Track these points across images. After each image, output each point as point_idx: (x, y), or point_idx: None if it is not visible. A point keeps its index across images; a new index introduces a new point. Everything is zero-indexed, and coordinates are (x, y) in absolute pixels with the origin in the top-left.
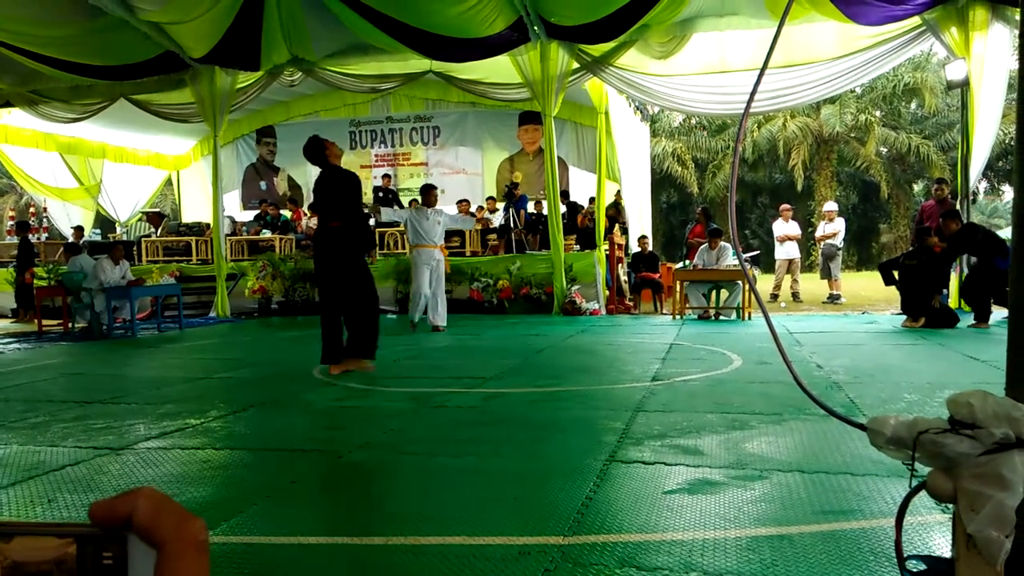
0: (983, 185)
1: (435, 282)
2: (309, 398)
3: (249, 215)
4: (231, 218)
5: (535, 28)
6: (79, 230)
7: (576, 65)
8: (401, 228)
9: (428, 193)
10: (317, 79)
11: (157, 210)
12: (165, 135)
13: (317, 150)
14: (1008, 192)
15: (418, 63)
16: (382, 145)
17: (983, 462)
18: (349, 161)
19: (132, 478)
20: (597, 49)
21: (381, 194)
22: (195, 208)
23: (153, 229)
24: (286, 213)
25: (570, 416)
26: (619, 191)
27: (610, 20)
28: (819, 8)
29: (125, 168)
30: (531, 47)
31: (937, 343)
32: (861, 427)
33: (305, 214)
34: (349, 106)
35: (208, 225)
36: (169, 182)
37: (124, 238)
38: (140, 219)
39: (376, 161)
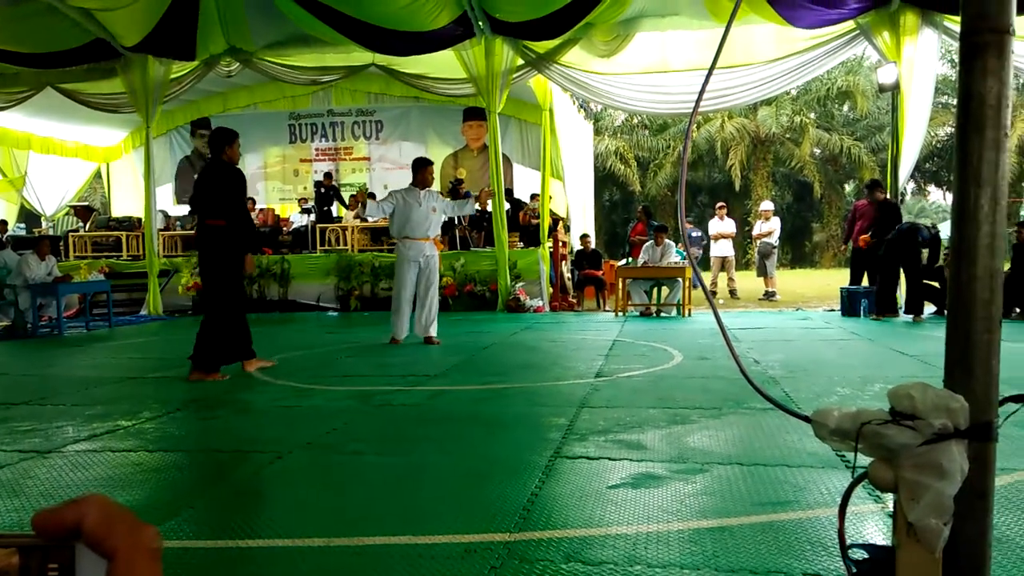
0: (910, 186)
1: (425, 284)
2: (246, 398)
3: (183, 209)
4: (164, 212)
5: (480, 23)
6: (2, 224)
7: (521, 62)
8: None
9: (422, 170)
10: (255, 70)
11: (85, 204)
12: (94, 126)
13: (221, 140)
14: (934, 192)
15: (361, 56)
16: (323, 139)
17: (923, 452)
18: (289, 155)
19: (60, 482)
20: (542, 46)
21: (322, 189)
22: (126, 202)
23: (81, 223)
24: None
25: (515, 413)
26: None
27: (554, 17)
28: (757, 10)
29: (51, 160)
30: (476, 42)
31: (867, 339)
32: (806, 419)
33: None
34: (288, 98)
35: (140, 220)
36: (98, 175)
37: (50, 233)
38: (67, 213)
39: (317, 155)
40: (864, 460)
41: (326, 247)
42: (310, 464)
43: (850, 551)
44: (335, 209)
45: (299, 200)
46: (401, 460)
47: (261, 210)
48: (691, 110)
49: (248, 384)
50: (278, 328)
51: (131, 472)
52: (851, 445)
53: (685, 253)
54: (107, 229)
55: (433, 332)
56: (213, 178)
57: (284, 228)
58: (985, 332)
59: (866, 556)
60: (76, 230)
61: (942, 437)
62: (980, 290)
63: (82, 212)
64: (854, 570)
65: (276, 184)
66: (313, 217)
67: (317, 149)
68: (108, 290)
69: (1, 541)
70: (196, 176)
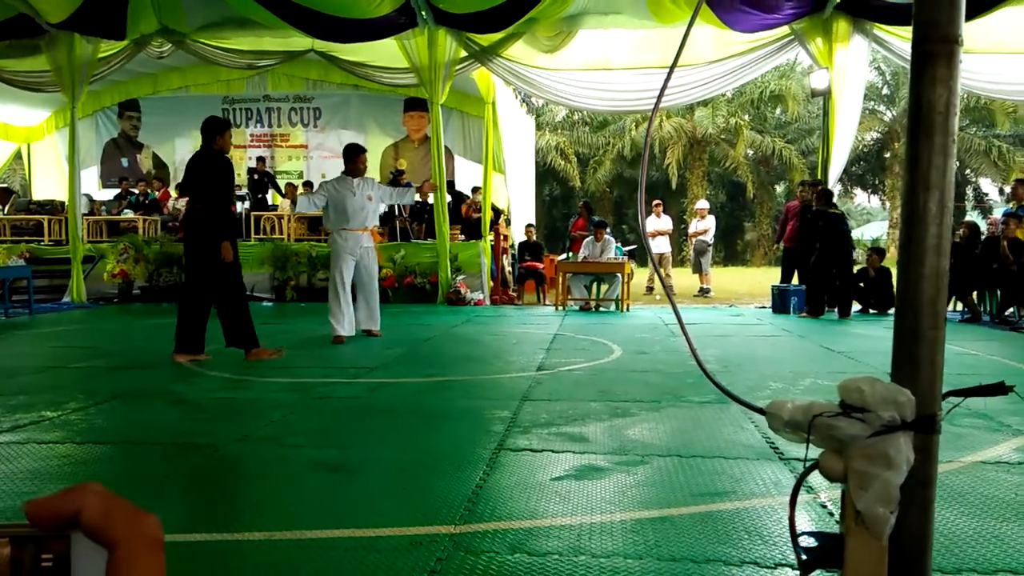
0: (837, 188)
1: (363, 277)
2: (179, 389)
3: (109, 193)
4: (89, 196)
5: (423, 13)
6: None
7: (464, 54)
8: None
9: (355, 158)
10: (189, 52)
11: (4, 186)
12: (15, 104)
13: (212, 130)
14: (860, 195)
15: (300, 41)
16: (258, 125)
17: (871, 443)
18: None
19: None
20: (485, 39)
21: (256, 176)
22: (48, 185)
23: (0, 206)
24: (154, 192)
25: (458, 406)
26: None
27: (498, 11)
28: (698, 13)
29: None
30: (418, 32)
31: (798, 335)
32: (761, 411)
33: (171, 194)
34: (223, 82)
35: (63, 203)
36: (18, 155)
37: None
38: None
39: (252, 141)
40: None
41: (261, 235)
42: (248, 457)
43: (801, 538)
44: (270, 197)
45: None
46: (343, 453)
47: None
48: (631, 108)
49: (181, 375)
50: (210, 318)
51: (58, 465)
52: (803, 436)
53: (624, 250)
54: (28, 212)
55: (375, 325)
56: (199, 165)
57: None
58: (931, 329)
59: (815, 543)
60: None
61: (890, 429)
62: (927, 288)
63: (1, 194)
64: (804, 556)
65: None
66: (247, 204)
67: (252, 135)
68: (29, 276)
69: None
70: (187, 163)
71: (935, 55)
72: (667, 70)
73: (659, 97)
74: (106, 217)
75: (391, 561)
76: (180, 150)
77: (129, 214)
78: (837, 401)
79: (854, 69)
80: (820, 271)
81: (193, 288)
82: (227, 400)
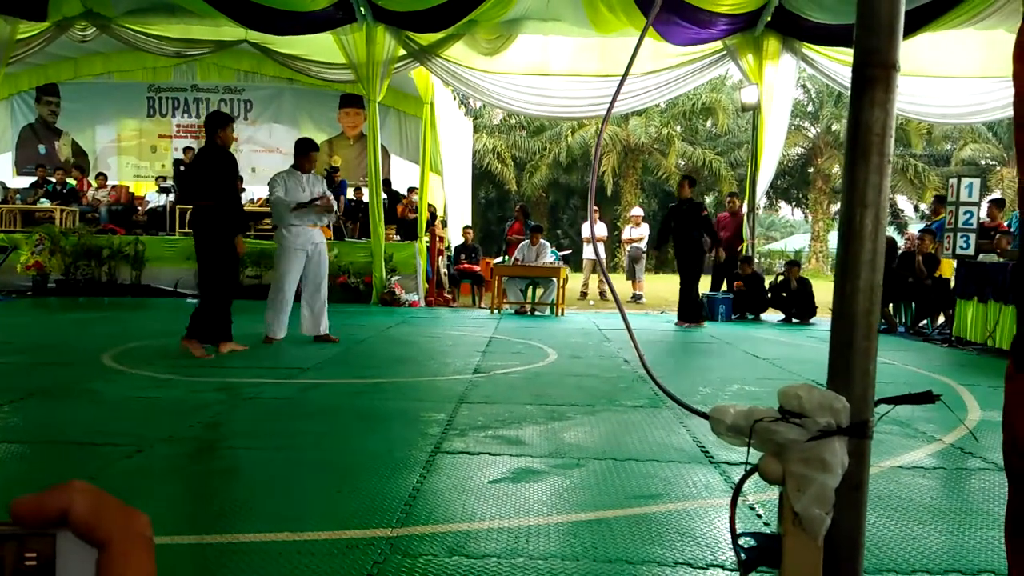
0: (763, 201)
1: (313, 275)
2: (98, 387)
3: (23, 181)
4: (2, 184)
5: (361, 9)
6: None
7: (403, 52)
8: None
9: (306, 155)
10: (113, 36)
11: None
12: None
13: (214, 124)
14: (784, 208)
15: (232, 31)
16: (185, 115)
17: (809, 447)
18: (146, 129)
19: None
20: (425, 38)
21: (183, 168)
22: None
23: None
24: (71, 181)
25: (393, 407)
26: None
27: (438, 11)
28: (636, 24)
29: None
30: (356, 28)
31: (725, 342)
32: (704, 415)
33: (90, 184)
34: (148, 69)
35: None
36: None
37: None
38: None
39: (178, 132)
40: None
41: (185, 230)
42: (174, 458)
43: (741, 539)
44: None
45: (157, 178)
46: (275, 455)
47: (113, 187)
48: (568, 115)
49: (101, 373)
50: (131, 313)
51: None
52: (744, 440)
53: (559, 254)
54: None
55: (324, 328)
56: (204, 161)
57: (139, 207)
58: (864, 340)
59: (754, 543)
60: None
61: (826, 434)
62: (862, 301)
63: None
64: (743, 556)
65: (131, 160)
66: (172, 197)
67: (178, 125)
68: None
69: None
70: (191, 159)
71: (874, 79)
72: (605, 79)
73: (610, 106)
74: (20, 206)
75: (327, 565)
76: (101, 138)
77: (46, 203)
78: (775, 406)
79: (782, 86)
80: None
81: (213, 281)
82: (151, 399)
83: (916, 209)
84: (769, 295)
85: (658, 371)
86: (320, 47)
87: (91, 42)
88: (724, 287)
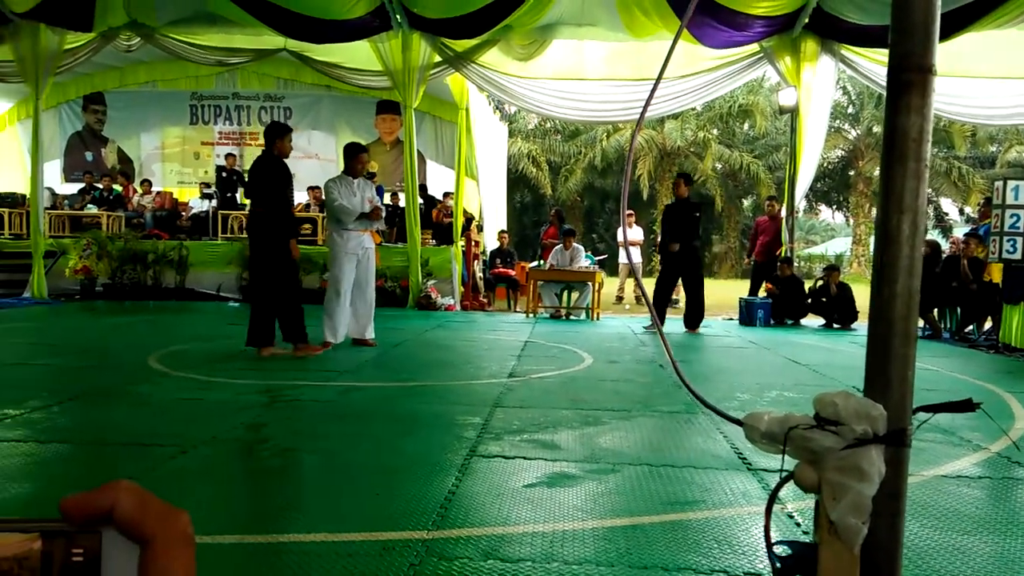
0: (803, 204)
1: (362, 279)
2: (144, 389)
3: (71, 188)
4: (51, 190)
5: (398, 17)
6: None
7: (438, 59)
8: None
9: (355, 157)
10: (157, 46)
11: None
12: None
13: (273, 134)
14: (825, 211)
15: (272, 40)
16: (227, 122)
17: (845, 456)
18: (189, 136)
19: None
20: (460, 44)
21: (224, 174)
22: (8, 177)
23: None
24: (118, 187)
25: (429, 411)
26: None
27: (473, 17)
28: (670, 27)
29: None
30: (393, 35)
31: (763, 347)
32: (738, 422)
33: (136, 190)
34: (191, 78)
35: (24, 196)
36: None
37: None
38: None
39: (220, 139)
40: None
41: (228, 235)
42: (217, 459)
43: (776, 547)
44: (239, 196)
45: (200, 184)
46: (314, 457)
47: (158, 193)
48: (602, 119)
49: (146, 375)
50: (175, 317)
51: (21, 464)
52: (779, 448)
53: (595, 259)
54: None
55: (370, 334)
56: (260, 169)
57: (183, 213)
58: (902, 346)
59: (789, 552)
60: None
61: (863, 442)
62: (899, 307)
63: None
64: (778, 565)
65: (175, 166)
66: (214, 203)
67: (220, 132)
68: None
69: (23, 526)
70: (250, 167)
71: (910, 84)
72: (639, 83)
73: (643, 112)
74: (69, 212)
75: (364, 566)
76: (146, 145)
77: (93, 209)
78: (811, 413)
79: (821, 88)
80: (664, 277)
81: (267, 287)
82: (195, 401)
83: (961, 212)
84: (809, 300)
85: (694, 376)
86: (357, 55)
87: (136, 52)
88: (763, 292)
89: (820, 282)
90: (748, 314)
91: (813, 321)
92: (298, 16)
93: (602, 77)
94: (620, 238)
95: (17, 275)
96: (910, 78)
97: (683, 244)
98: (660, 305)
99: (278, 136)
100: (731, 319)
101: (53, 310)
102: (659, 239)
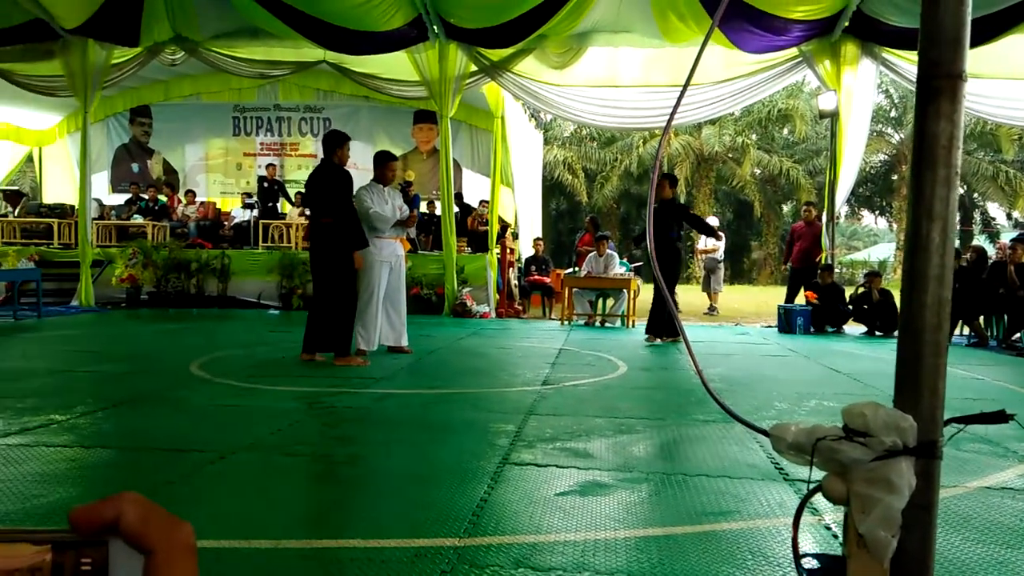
0: (844, 210)
1: (393, 286)
2: (185, 395)
3: (118, 198)
4: (99, 201)
5: (434, 27)
6: None
7: (474, 68)
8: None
9: (385, 165)
10: (201, 60)
11: (15, 188)
12: (27, 108)
13: (333, 143)
14: (867, 216)
15: (311, 52)
16: (268, 133)
17: (874, 467)
18: (232, 147)
19: None
20: (495, 54)
21: (266, 184)
22: (58, 188)
23: (11, 209)
24: (163, 198)
25: (463, 418)
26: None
27: (509, 27)
28: (706, 32)
29: None
30: (429, 46)
31: (803, 355)
32: (764, 433)
33: (180, 201)
34: (234, 90)
35: (73, 207)
36: (30, 159)
37: None
38: None
39: (261, 149)
40: (818, 474)
41: (269, 243)
42: (254, 465)
43: (804, 560)
44: (280, 205)
45: (242, 195)
46: (348, 463)
47: (202, 203)
48: (638, 126)
49: (187, 382)
50: (217, 324)
51: (67, 468)
52: (806, 459)
53: (631, 266)
54: (38, 216)
55: (403, 341)
56: (323, 178)
57: (225, 222)
58: (933, 356)
59: (818, 565)
60: (5, 215)
61: (892, 454)
62: (929, 317)
63: (11, 197)
64: None
65: (218, 177)
66: (256, 212)
67: (262, 143)
68: (38, 279)
69: (35, 537)
70: (308, 176)
71: (939, 90)
72: (675, 89)
73: (670, 118)
74: (116, 222)
75: (396, 572)
76: (190, 156)
77: (139, 219)
78: (841, 424)
79: (862, 91)
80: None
81: (333, 296)
82: (233, 407)
83: (1009, 217)
84: (850, 307)
85: (731, 385)
86: (394, 65)
87: (180, 65)
88: (801, 298)
89: (862, 289)
90: (787, 321)
91: (854, 329)
92: (337, 28)
93: (638, 84)
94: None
95: (66, 284)
96: (940, 84)
97: (665, 247)
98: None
99: (338, 145)
100: (770, 326)
101: (100, 318)
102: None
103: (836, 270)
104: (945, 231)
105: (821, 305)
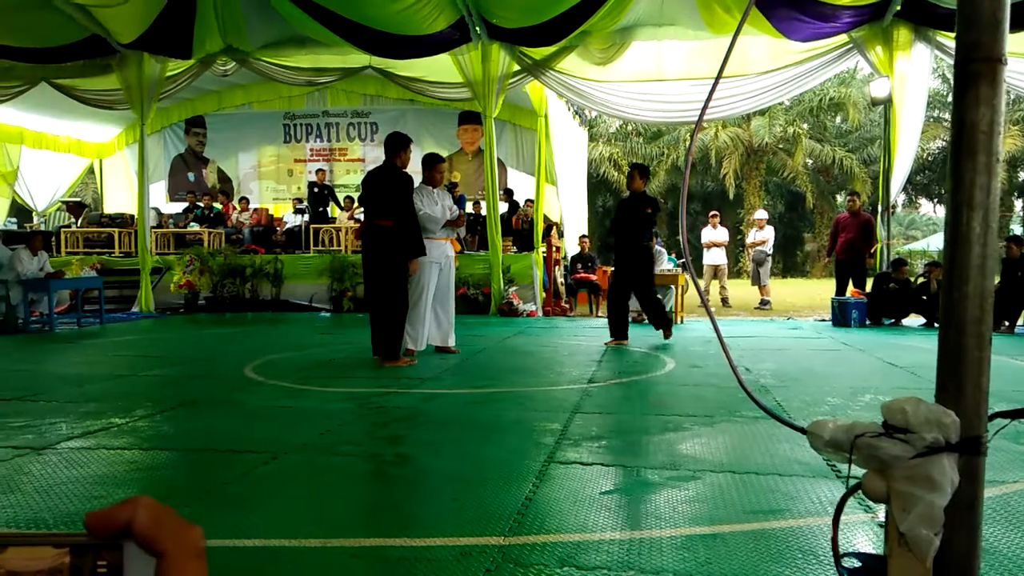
0: (901, 198)
1: (443, 287)
2: (240, 398)
3: (175, 207)
4: (157, 210)
5: (477, 29)
6: None
7: (517, 67)
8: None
9: (434, 167)
10: (251, 70)
11: (78, 199)
12: (87, 121)
13: (396, 146)
14: (925, 205)
15: (357, 58)
16: (318, 139)
17: (914, 465)
18: (283, 154)
19: (55, 479)
20: (538, 52)
21: (316, 189)
22: (118, 198)
23: (73, 219)
24: (218, 205)
25: (509, 417)
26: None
27: (551, 24)
28: (753, 23)
29: (44, 155)
30: (472, 47)
31: (857, 349)
32: (802, 430)
33: (234, 208)
34: (284, 98)
35: (133, 216)
36: (91, 170)
37: (42, 228)
38: (59, 208)
39: (311, 155)
40: (858, 471)
41: (319, 247)
42: (305, 465)
43: (844, 559)
44: (329, 210)
45: (293, 200)
46: (396, 462)
47: (255, 210)
48: (684, 119)
49: (242, 384)
50: (271, 328)
51: (126, 470)
52: (845, 456)
53: (678, 261)
54: (99, 225)
55: (451, 341)
56: (384, 181)
57: (277, 228)
58: (976, 350)
59: (859, 564)
60: (68, 226)
61: (933, 450)
62: (971, 309)
63: (74, 208)
64: None
65: (270, 184)
66: (307, 217)
67: (312, 149)
68: (100, 286)
69: (53, 540)
70: (365, 177)
71: (978, 75)
72: (722, 80)
73: (702, 112)
74: (173, 230)
75: (441, 571)
76: (243, 164)
77: (195, 227)
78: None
79: (916, 77)
80: (617, 282)
81: (390, 298)
82: (287, 409)
83: None
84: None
85: (782, 380)
86: (438, 68)
87: (232, 76)
88: (850, 290)
89: (921, 279)
90: (842, 314)
91: (914, 320)
92: (382, 34)
93: (683, 77)
94: (705, 239)
95: (127, 291)
96: (978, 69)
97: (631, 243)
98: (619, 313)
99: (402, 148)
100: (823, 320)
101: (159, 323)
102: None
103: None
104: (986, 220)
105: (880, 296)
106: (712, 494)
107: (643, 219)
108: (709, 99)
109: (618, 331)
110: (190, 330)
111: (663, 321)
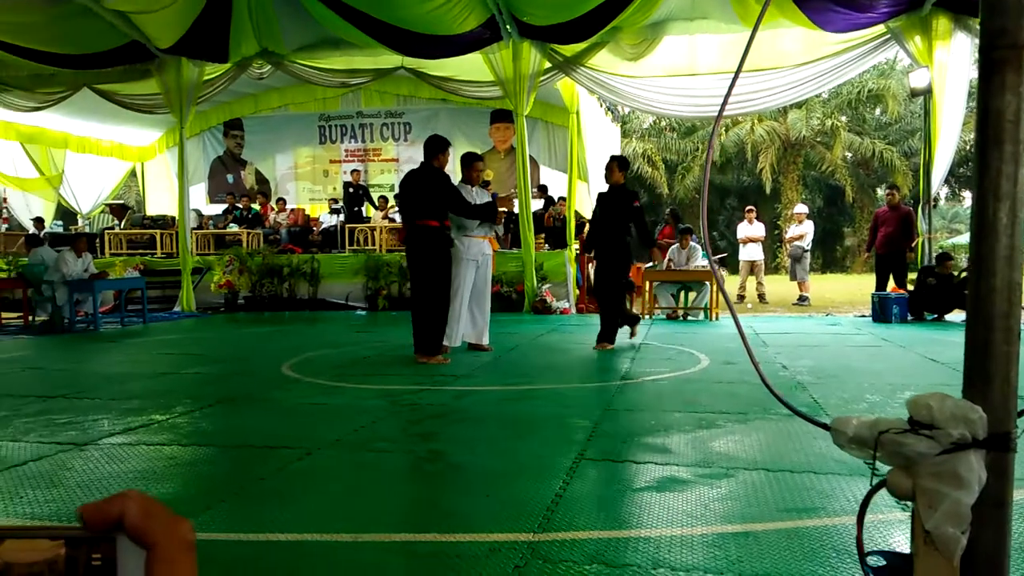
0: (944, 191)
1: (479, 284)
2: (277, 395)
3: (215, 208)
4: (197, 211)
5: (507, 27)
6: (39, 221)
7: (548, 65)
8: (379, 222)
9: (471, 165)
10: (287, 72)
11: (121, 202)
12: (129, 126)
13: (435, 148)
14: (969, 198)
15: (389, 59)
16: (352, 140)
17: (941, 461)
18: (319, 155)
19: (97, 474)
20: (569, 49)
21: (351, 189)
22: (160, 201)
23: (117, 221)
24: (256, 206)
25: (541, 414)
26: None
27: (582, 21)
28: (787, 14)
29: (88, 159)
30: (503, 46)
31: (898, 345)
32: (824, 427)
33: (272, 208)
34: (319, 100)
35: (173, 218)
36: (133, 174)
37: (87, 230)
38: (103, 211)
39: (346, 156)
40: (883, 468)
41: (355, 247)
42: (338, 461)
43: (869, 558)
44: (364, 209)
45: (329, 200)
46: (428, 459)
47: (292, 210)
48: (718, 114)
49: (277, 382)
50: (308, 326)
51: (165, 466)
52: (869, 453)
53: (706, 253)
54: (142, 227)
55: (485, 339)
56: (424, 182)
57: (314, 228)
58: (1004, 344)
59: (885, 563)
60: (112, 228)
61: (960, 447)
62: (999, 302)
63: (117, 210)
64: None
65: (306, 184)
66: (342, 217)
67: (346, 150)
68: (143, 287)
69: (49, 532)
70: (403, 179)
71: (1004, 61)
72: (756, 73)
73: (722, 105)
74: (213, 231)
75: (471, 566)
76: (280, 165)
77: (234, 228)
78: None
79: (957, 67)
80: (603, 282)
81: (431, 297)
82: (322, 406)
83: None
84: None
85: (820, 377)
86: (470, 67)
87: (268, 78)
88: (891, 285)
89: (964, 273)
90: (882, 310)
91: (957, 316)
92: (413, 34)
93: (716, 71)
94: (741, 234)
95: (169, 291)
96: (1004, 55)
97: (614, 239)
98: (623, 312)
99: (440, 150)
100: (863, 316)
101: (200, 322)
102: (588, 235)
103: (925, 252)
104: (1014, 211)
105: (941, 292)
106: (745, 492)
107: (628, 213)
108: (729, 94)
109: (609, 333)
110: (230, 329)
111: (606, 332)
